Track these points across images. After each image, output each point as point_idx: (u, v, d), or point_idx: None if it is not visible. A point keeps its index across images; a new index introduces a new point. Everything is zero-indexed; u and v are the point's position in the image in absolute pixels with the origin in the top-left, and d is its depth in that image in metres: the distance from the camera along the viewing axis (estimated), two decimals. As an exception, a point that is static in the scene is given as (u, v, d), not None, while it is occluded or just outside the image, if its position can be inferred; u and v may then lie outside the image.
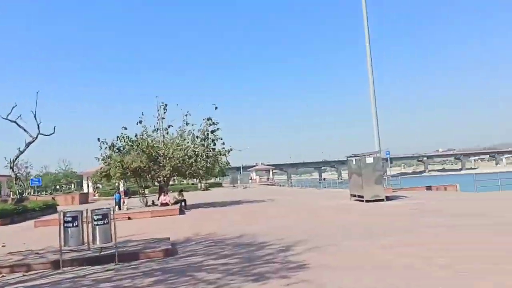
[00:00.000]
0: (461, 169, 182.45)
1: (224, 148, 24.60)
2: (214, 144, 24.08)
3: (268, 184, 74.56)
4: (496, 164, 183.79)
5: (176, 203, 23.92)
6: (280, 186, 67.49)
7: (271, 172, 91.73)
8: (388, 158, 51.91)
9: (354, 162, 22.69)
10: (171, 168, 23.65)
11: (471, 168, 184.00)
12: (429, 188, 31.14)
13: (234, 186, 64.22)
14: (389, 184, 35.35)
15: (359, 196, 22.02)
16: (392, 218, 13.83)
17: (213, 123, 23.94)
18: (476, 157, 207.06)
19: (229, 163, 27.32)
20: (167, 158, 23.50)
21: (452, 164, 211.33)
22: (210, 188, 60.60)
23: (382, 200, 21.10)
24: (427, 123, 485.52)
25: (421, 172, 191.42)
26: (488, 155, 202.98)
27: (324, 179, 50.86)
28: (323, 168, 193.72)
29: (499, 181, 23.36)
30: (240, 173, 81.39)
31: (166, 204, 22.97)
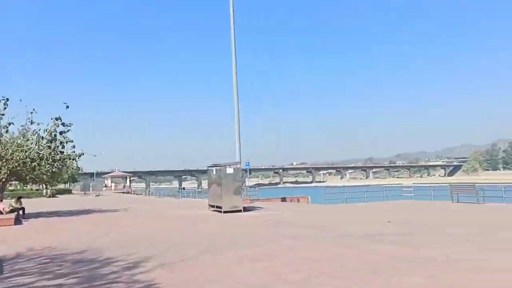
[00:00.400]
0: (311, 182, 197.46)
1: (74, 152, 22.25)
2: (63, 147, 21.60)
3: (124, 192, 71.08)
4: (341, 178, 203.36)
5: (12, 211, 20.91)
6: (137, 194, 64.84)
7: (128, 180, 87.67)
8: (248, 169, 53.34)
9: (214, 172, 22.49)
10: (7, 172, 20.63)
11: (320, 181, 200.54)
12: (284, 199, 32.57)
13: (85, 194, 59.74)
14: (247, 195, 36.11)
15: (217, 207, 21.83)
16: (249, 229, 13.78)
17: (63, 124, 21.48)
18: (325, 171, 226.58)
19: (80, 168, 24.97)
20: (4, 160, 20.44)
21: (304, 177, 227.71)
22: (57, 195, 55.19)
23: (240, 211, 21.20)
24: (284, 138, 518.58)
25: (276, 183, 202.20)
26: (335, 170, 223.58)
27: (184, 188, 49.97)
28: (183, 177, 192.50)
29: (345, 194, 25.38)
30: (94, 179, 76.00)
31: (0, 213, 19.94)
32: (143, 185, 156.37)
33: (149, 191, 63.93)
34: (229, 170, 21.48)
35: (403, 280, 6.53)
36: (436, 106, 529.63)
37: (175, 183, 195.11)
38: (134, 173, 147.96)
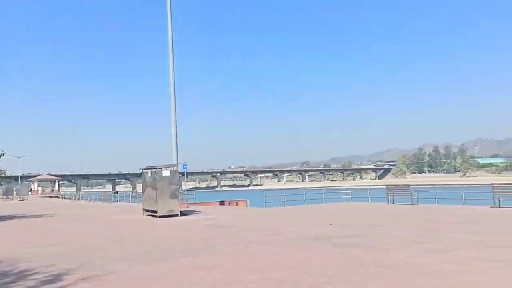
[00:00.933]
0: (249, 185, 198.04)
1: (-8, 152, 20.14)
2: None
3: (51, 197, 66.74)
4: (278, 181, 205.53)
5: None
6: (66, 199, 61.10)
7: (57, 184, 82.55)
8: (185, 173, 51.96)
9: (149, 175, 21.27)
10: None
11: (257, 185, 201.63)
12: (222, 203, 31.77)
13: (8, 198, 55.32)
14: (184, 198, 34.93)
15: (152, 211, 20.64)
16: (185, 235, 12.89)
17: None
18: (262, 175, 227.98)
19: (3, 171, 22.70)
20: None
21: (241, 180, 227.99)
22: (-24, 200, 50.64)
23: (177, 215, 20.18)
24: (222, 141, 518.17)
25: (214, 187, 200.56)
26: (272, 173, 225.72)
27: (117, 192, 47.52)
28: (117, 180, 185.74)
29: (284, 197, 25.07)
30: (18, 183, 70.81)
31: None
32: (74, 189, 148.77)
33: (79, 195, 60.33)
34: (165, 173, 20.40)
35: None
36: (367, 112, 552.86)
37: (109, 187, 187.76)
38: (64, 177, 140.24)
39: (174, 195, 20.35)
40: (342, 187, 28.18)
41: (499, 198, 19.05)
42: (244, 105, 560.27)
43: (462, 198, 21.27)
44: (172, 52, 27.51)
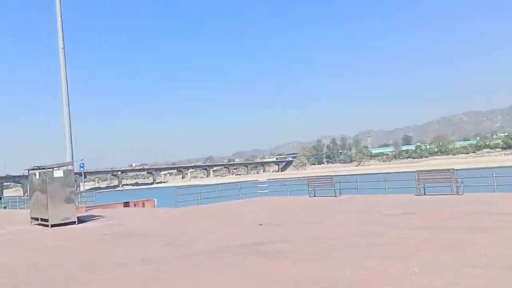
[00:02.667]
0: (152, 183, 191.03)
1: None
2: None
3: None
4: (183, 177, 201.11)
5: None
6: None
7: None
8: (82, 172, 47.05)
9: (37, 176, 17.68)
10: None
11: (161, 182, 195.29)
12: (126, 204, 28.52)
13: None
14: (83, 201, 30.96)
15: (42, 220, 17.16)
16: (82, 250, 10.13)
17: None
18: (166, 172, 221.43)
19: None
20: None
21: (144, 178, 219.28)
22: None
23: (73, 222, 16.97)
24: (122, 139, 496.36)
25: (115, 186, 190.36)
26: (176, 170, 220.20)
27: (0, 197, 41.26)
28: (5, 184, 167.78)
29: (199, 194, 22.75)
30: None
31: None
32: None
33: None
34: (58, 173, 17.02)
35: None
36: (265, 106, 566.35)
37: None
38: None
39: (69, 200, 17.06)
40: (259, 181, 26.51)
41: (424, 185, 18.68)
42: (141, 101, 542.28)
43: (384, 188, 20.68)
44: (63, 47, 23.73)
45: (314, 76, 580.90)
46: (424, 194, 18.78)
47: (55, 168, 17.52)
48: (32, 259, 9.72)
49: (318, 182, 22.36)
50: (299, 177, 24.35)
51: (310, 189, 22.32)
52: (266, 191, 25.28)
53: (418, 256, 7.19)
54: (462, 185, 18.27)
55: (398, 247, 8.15)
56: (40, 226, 17.12)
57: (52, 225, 16.47)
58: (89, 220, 18.31)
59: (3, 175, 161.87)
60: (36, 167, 18.01)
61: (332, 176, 22.12)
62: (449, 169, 18.88)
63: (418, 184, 18.77)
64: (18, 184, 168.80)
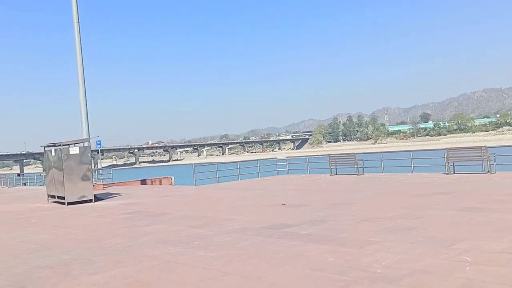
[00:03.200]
0: (169, 160, 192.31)
1: None
2: None
3: None
4: (198, 155, 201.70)
5: None
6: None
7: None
8: (100, 150, 47.01)
9: (53, 153, 17.27)
10: None
11: (177, 159, 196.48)
12: (144, 182, 28.13)
13: None
14: (100, 178, 30.78)
15: (59, 197, 16.82)
16: (99, 231, 9.63)
17: None
18: (182, 149, 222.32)
19: None
20: None
21: (160, 156, 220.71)
22: None
23: (90, 200, 16.60)
24: (138, 116, 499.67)
25: (132, 163, 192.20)
26: (192, 147, 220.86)
27: (20, 174, 41.31)
28: (25, 161, 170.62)
29: (217, 172, 22.19)
30: None
31: None
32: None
33: None
34: (74, 150, 16.58)
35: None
36: (283, 83, 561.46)
37: (17, 168, 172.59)
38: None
39: (85, 177, 16.65)
40: (278, 158, 25.79)
41: (453, 163, 17.76)
42: (158, 79, 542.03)
43: (410, 166, 19.80)
44: (78, 21, 23.09)
45: (329, 52, 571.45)
46: (454, 173, 17.89)
47: (71, 145, 17.10)
48: (69, 234, 9.27)
49: (340, 159, 21.59)
50: (318, 155, 23.50)
51: (331, 166, 21.56)
52: (285, 168, 24.61)
53: (467, 243, 6.45)
54: (495, 163, 17.32)
55: (441, 231, 7.41)
56: (57, 204, 16.80)
57: (69, 203, 16.12)
58: (107, 198, 17.93)
59: (23, 152, 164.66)
60: (51, 144, 17.58)
61: (355, 153, 21.28)
62: (480, 147, 17.90)
63: (448, 162, 17.86)
64: (38, 161, 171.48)
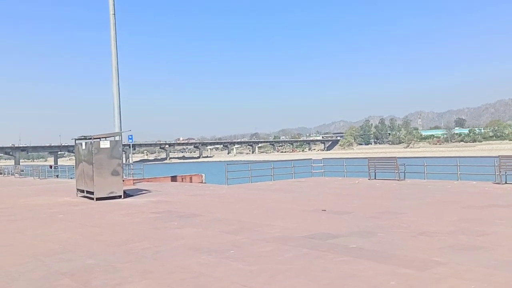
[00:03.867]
0: (199, 157, 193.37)
1: None
2: None
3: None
4: (228, 153, 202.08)
5: None
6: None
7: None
8: (131, 144, 47.07)
9: (83, 146, 16.85)
10: None
11: (207, 156, 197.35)
12: (174, 178, 27.62)
13: None
14: (130, 173, 30.51)
15: (88, 192, 16.37)
16: (124, 233, 8.92)
17: None
18: (212, 146, 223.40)
19: None
20: None
21: (191, 152, 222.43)
22: None
23: (119, 197, 16.08)
24: (170, 113, 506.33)
25: (163, 159, 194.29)
26: (222, 145, 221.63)
27: (52, 166, 41.73)
28: (59, 153, 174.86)
29: (250, 172, 21.39)
30: None
31: None
32: (12, 162, 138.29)
33: (19, 169, 53.03)
34: (105, 144, 16.10)
35: None
36: (315, 84, 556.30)
37: (51, 160, 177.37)
38: (1, 149, 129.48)
39: (115, 172, 16.14)
40: (313, 159, 24.78)
41: (505, 172, 16.32)
42: (191, 76, 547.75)
43: (456, 173, 18.41)
44: (114, 14, 22.70)
45: (362, 55, 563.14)
46: (505, 183, 16.47)
47: (102, 139, 16.63)
48: (93, 234, 8.66)
49: (379, 163, 20.38)
50: (355, 157, 22.36)
51: (370, 170, 20.39)
52: (320, 170, 23.56)
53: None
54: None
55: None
56: (86, 199, 16.36)
57: (98, 199, 15.64)
58: (136, 195, 17.40)
59: (58, 144, 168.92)
60: (82, 137, 17.17)
61: (396, 157, 20.03)
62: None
63: (500, 171, 16.45)
64: (72, 154, 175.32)
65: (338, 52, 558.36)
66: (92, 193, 15.98)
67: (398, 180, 19.18)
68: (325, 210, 11.29)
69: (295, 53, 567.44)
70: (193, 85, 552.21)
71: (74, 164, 18.63)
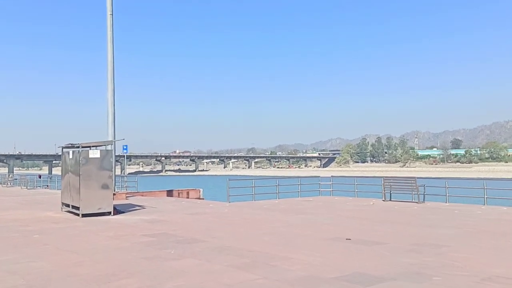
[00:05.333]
0: (195, 170, 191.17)
1: None
2: None
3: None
4: (224, 167, 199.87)
5: None
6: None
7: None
8: (126, 155, 45.25)
9: (70, 156, 15.09)
10: None
11: (203, 170, 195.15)
12: (170, 193, 25.80)
13: None
14: (123, 186, 28.69)
15: (74, 207, 14.56)
16: (108, 264, 7.12)
17: None
18: (208, 160, 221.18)
19: None
20: None
21: (187, 165, 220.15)
22: None
23: (109, 213, 14.27)
24: (167, 126, 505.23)
25: (158, 171, 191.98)
26: (218, 159, 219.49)
27: (40, 176, 39.70)
28: (54, 162, 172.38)
29: (253, 189, 19.61)
30: None
31: None
32: (6, 170, 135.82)
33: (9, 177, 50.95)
34: (94, 153, 14.34)
35: None
36: (312, 101, 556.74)
37: (45, 169, 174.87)
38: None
39: (105, 185, 14.35)
40: (321, 177, 23.02)
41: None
42: (187, 89, 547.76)
43: (483, 197, 16.69)
44: (111, 14, 21.25)
45: (360, 73, 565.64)
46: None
47: (92, 147, 14.89)
48: (65, 266, 6.87)
49: (396, 183, 18.67)
50: (365, 176, 20.60)
51: (385, 191, 18.68)
52: (329, 189, 21.80)
53: None
54: None
55: None
56: (70, 215, 14.54)
57: (84, 215, 13.83)
58: (128, 211, 15.58)
59: (53, 153, 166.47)
60: (69, 145, 15.41)
61: (416, 177, 18.33)
62: None
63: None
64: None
65: (336, 70, 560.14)
66: (78, 208, 14.16)
67: (417, 202, 17.47)
68: (349, 239, 9.55)
69: (292, 69, 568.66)
70: (191, 99, 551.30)
71: (61, 174, 16.82)
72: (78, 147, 14.52)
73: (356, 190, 20.88)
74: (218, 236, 10.11)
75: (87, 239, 10.02)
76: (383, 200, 18.65)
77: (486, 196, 16.64)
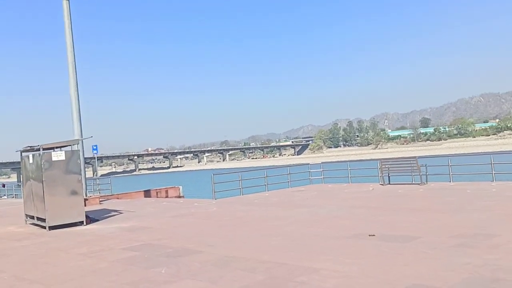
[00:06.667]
0: (169, 167, 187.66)
1: None
2: None
3: None
4: (199, 162, 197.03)
5: None
6: None
7: None
8: (96, 156, 42.67)
9: (31, 160, 13.01)
10: None
11: (177, 166, 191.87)
12: (148, 193, 23.80)
13: None
14: (96, 189, 26.50)
15: (38, 219, 12.55)
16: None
17: None
18: (182, 156, 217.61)
19: None
20: None
21: (160, 163, 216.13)
22: None
23: (81, 223, 12.34)
24: (137, 123, 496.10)
25: (131, 170, 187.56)
26: (192, 154, 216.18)
27: (4, 185, 36.59)
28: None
29: (240, 182, 17.88)
30: None
31: None
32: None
33: None
34: (58, 155, 12.31)
35: None
36: (281, 89, 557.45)
37: (14, 177, 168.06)
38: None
39: (74, 191, 12.35)
40: (311, 164, 21.51)
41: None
42: (157, 85, 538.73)
43: (491, 172, 15.53)
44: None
45: (327, 58, 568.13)
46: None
47: (55, 149, 12.87)
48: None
49: (395, 165, 17.32)
50: (356, 159, 19.23)
51: (383, 174, 17.30)
52: (320, 176, 20.32)
53: None
54: None
55: None
56: (36, 228, 12.53)
57: (51, 227, 11.86)
58: (103, 218, 13.65)
59: (19, 160, 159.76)
60: (29, 147, 13.30)
61: (417, 157, 17.04)
62: None
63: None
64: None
65: (302, 56, 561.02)
66: (43, 220, 12.16)
67: (420, 184, 16.17)
68: (374, 235, 8.01)
69: (260, 59, 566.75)
70: (160, 93, 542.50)
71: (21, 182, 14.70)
72: (39, 149, 12.46)
73: (349, 176, 19.46)
74: (214, 244, 8.40)
75: (55, 260, 8.13)
76: (381, 184, 17.28)
77: (494, 172, 15.46)
